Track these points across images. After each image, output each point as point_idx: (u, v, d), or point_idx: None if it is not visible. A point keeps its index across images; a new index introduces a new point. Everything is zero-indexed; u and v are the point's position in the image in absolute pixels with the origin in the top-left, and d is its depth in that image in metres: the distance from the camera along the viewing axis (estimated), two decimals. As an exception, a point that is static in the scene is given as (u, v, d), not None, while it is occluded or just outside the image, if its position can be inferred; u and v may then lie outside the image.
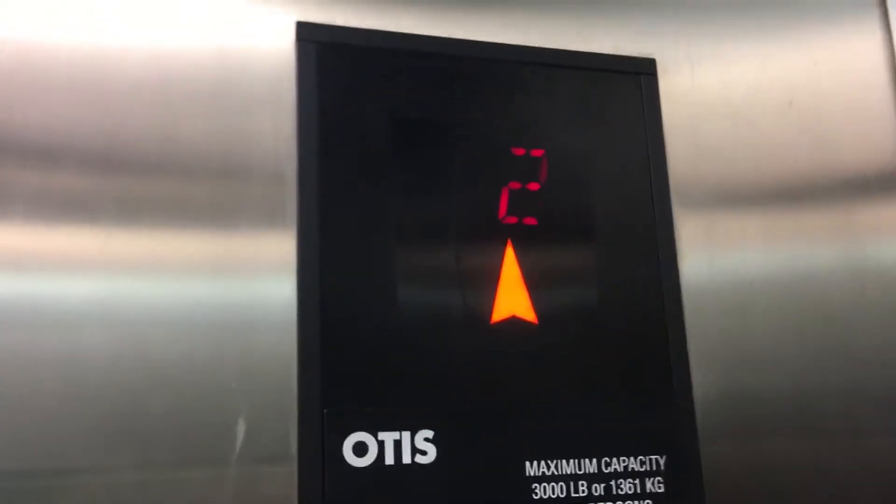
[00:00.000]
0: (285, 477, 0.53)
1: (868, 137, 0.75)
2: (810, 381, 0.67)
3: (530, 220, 0.62)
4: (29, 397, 0.51)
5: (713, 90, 0.72)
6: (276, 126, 0.59)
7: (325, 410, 0.54)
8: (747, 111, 0.72)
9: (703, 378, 0.64)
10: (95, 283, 0.54)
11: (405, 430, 0.55)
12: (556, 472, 0.57)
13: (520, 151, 0.64)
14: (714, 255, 0.68)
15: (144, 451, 0.52)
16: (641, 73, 0.69)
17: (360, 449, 0.54)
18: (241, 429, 0.53)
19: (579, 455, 0.58)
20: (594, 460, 0.58)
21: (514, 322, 0.60)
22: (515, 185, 0.63)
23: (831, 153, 0.74)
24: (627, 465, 0.59)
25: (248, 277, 0.56)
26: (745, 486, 0.62)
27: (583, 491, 0.58)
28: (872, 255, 0.72)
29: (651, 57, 0.70)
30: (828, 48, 0.76)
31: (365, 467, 0.54)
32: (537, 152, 0.64)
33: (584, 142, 0.66)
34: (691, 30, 0.73)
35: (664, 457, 0.60)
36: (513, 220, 0.62)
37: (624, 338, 0.62)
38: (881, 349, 0.70)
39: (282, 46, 0.61)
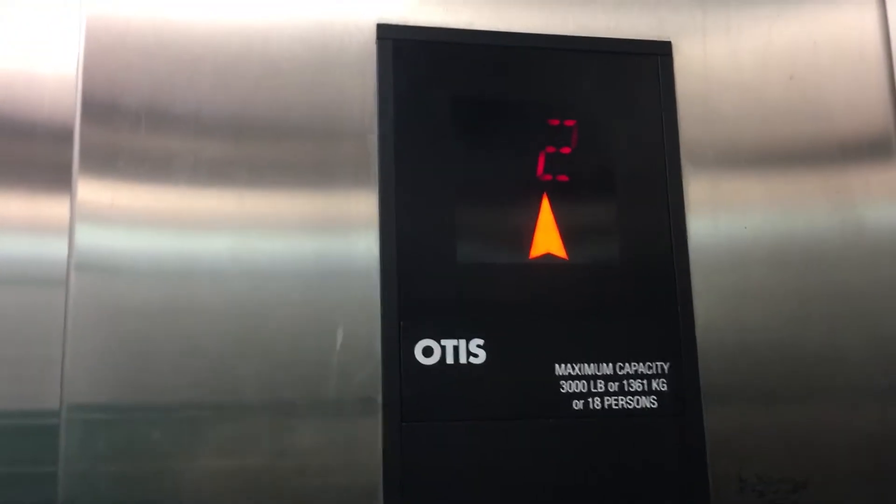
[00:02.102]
0: (372, 370, 0.71)
1: (861, 108, 0.85)
2: (798, 315, 0.79)
3: (563, 178, 0.78)
4: (187, 339, 0.68)
5: (724, 64, 0.84)
6: (363, 102, 0.76)
7: (402, 322, 0.72)
8: (753, 83, 0.84)
9: (705, 307, 0.77)
10: (234, 238, 0.71)
11: (461, 338, 0.72)
12: (579, 373, 0.73)
13: (555, 122, 0.79)
14: (718, 207, 0.80)
15: (278, 353, 0.70)
16: (659, 54, 0.83)
17: (428, 351, 0.72)
18: (339, 337, 0.71)
19: (598, 360, 0.74)
20: (610, 364, 0.74)
21: (548, 258, 0.76)
22: (551, 149, 0.78)
23: (828, 122, 0.84)
24: (637, 368, 0.75)
25: (342, 229, 0.74)
26: (736, 383, 0.77)
27: (600, 387, 0.74)
28: (865, 215, 0.83)
29: (667, 40, 0.83)
30: (826, 28, 0.87)
31: (431, 365, 0.71)
32: (570, 122, 0.79)
33: (608, 113, 0.80)
34: (705, 9, 0.85)
35: (668, 363, 0.75)
36: (548, 177, 0.77)
37: (638, 272, 0.77)
38: (864, 292, 0.81)
39: (365, 36, 0.77)
